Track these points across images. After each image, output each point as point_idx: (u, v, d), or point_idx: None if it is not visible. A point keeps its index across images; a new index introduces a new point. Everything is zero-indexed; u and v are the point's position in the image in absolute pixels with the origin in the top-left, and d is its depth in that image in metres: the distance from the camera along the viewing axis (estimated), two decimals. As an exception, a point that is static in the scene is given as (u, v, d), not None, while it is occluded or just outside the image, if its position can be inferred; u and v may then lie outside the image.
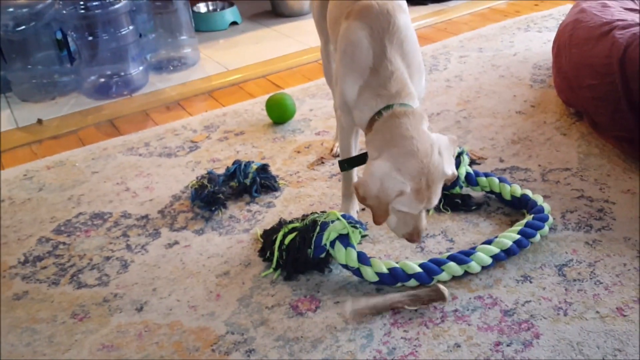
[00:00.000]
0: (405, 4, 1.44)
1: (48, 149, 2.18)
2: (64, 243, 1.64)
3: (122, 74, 2.54)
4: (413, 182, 1.20)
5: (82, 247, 1.62)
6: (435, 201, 1.25)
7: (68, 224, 1.72)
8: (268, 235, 1.51)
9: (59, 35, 2.50)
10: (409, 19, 1.39)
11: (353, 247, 1.40)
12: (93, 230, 1.69)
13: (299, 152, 1.99)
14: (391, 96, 1.28)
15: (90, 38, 2.44)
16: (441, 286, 1.29)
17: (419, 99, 1.35)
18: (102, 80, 2.55)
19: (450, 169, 1.25)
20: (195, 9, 3.24)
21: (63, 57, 2.55)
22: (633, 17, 1.86)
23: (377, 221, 1.26)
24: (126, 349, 1.29)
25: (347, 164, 1.49)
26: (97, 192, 1.86)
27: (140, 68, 2.58)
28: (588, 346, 1.19)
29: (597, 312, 1.27)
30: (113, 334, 1.33)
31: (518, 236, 1.42)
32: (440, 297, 1.28)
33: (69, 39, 2.46)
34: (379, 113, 1.28)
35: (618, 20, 1.84)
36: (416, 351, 1.22)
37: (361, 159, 1.43)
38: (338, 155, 1.81)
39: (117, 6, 2.40)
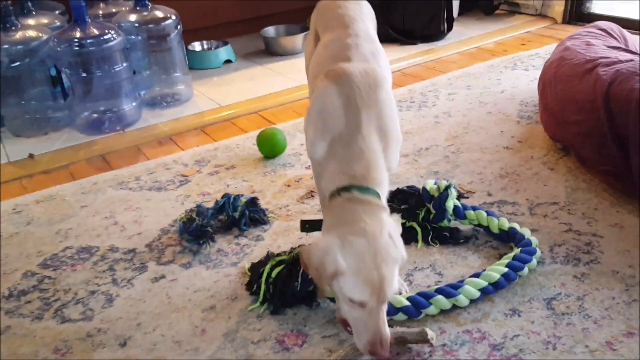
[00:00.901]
0: (388, 73, 1.40)
1: (38, 183, 2.18)
2: (49, 277, 1.62)
3: (115, 109, 2.57)
4: (359, 263, 1.10)
5: (67, 281, 1.60)
6: (389, 291, 1.11)
7: (54, 258, 1.70)
8: (255, 269, 1.50)
9: (53, 72, 2.53)
10: (389, 90, 1.34)
11: (340, 280, 1.38)
12: (79, 264, 1.67)
13: (289, 185, 1.99)
14: (355, 177, 1.22)
15: (84, 75, 2.47)
16: (428, 331, 1.26)
17: (390, 170, 1.29)
18: (95, 115, 2.57)
19: (401, 252, 1.15)
20: (190, 47, 3.30)
21: (57, 93, 2.58)
22: (616, 55, 1.91)
23: (320, 292, 1.18)
24: (108, 385, 1.26)
25: (309, 226, 1.43)
26: (85, 226, 1.85)
27: (134, 104, 2.61)
28: (578, 381, 1.18)
29: (587, 346, 1.25)
30: (95, 370, 1.30)
31: (506, 269, 1.41)
32: (426, 341, 1.26)
33: (63, 76, 2.49)
34: (339, 191, 1.22)
35: (601, 57, 1.89)
36: (404, 387, 1.19)
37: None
38: None
39: (111, 44, 2.44)
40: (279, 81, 2.98)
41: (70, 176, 2.22)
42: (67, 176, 2.22)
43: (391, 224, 1.18)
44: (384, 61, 1.45)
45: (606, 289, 1.41)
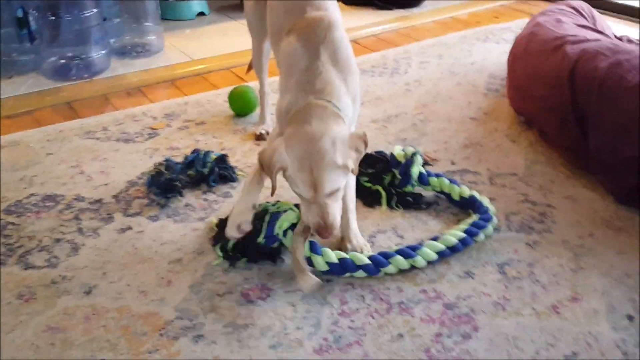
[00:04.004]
0: (340, 20, 1.50)
1: (2, 128, 2.13)
2: (13, 223, 1.61)
3: (84, 56, 2.51)
4: (298, 162, 1.25)
5: (32, 228, 1.60)
6: (323, 189, 1.25)
7: (19, 205, 1.69)
8: (223, 224, 1.53)
9: (20, 13, 2.45)
10: (343, 33, 1.47)
11: (305, 237, 1.43)
12: (44, 212, 1.66)
13: (259, 144, 2.01)
14: (315, 92, 1.34)
15: (52, 18, 2.39)
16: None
17: (354, 101, 1.41)
18: (63, 61, 2.50)
19: (341, 160, 1.25)
20: (162, -4, 3.21)
21: (23, 36, 2.50)
22: (584, 34, 1.96)
23: (272, 192, 1.31)
24: (72, 331, 1.28)
25: None
26: (51, 174, 1.84)
27: (103, 52, 2.55)
28: (523, 340, 1.26)
29: (534, 308, 1.34)
30: (59, 316, 1.32)
31: (463, 235, 1.48)
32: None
33: (30, 18, 2.41)
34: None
35: (570, 35, 1.94)
36: (361, 340, 1.26)
37: None
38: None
39: (81, -13, 2.37)
40: (253, 38, 2.94)
41: (35, 122, 2.17)
42: (32, 122, 2.18)
43: (341, 133, 1.28)
44: (333, 5, 1.54)
45: (556, 257, 1.49)
